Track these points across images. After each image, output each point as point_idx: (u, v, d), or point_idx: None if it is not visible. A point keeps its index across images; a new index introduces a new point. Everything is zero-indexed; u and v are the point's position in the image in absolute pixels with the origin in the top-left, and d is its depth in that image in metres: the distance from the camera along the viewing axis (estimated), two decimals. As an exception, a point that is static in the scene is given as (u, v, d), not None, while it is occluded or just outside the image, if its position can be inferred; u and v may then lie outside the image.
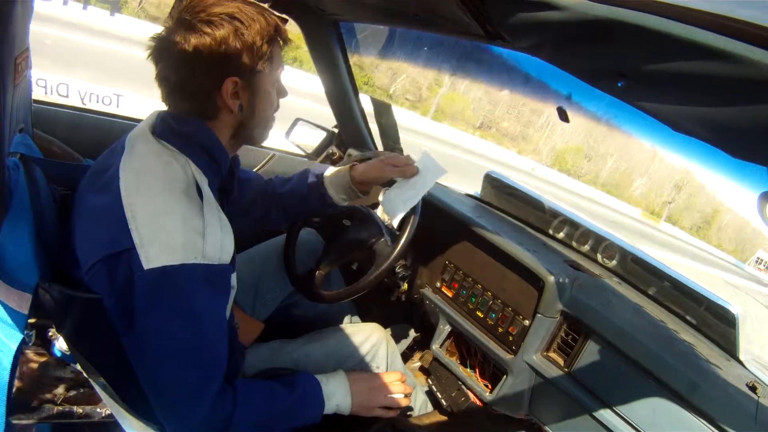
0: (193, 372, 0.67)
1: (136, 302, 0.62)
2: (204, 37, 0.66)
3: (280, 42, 0.76)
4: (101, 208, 0.66)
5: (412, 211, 1.00)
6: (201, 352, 0.67)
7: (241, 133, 0.78)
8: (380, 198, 1.34)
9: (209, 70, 0.69)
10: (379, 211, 1.34)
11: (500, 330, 1.13)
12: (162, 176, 0.66)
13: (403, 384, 0.97)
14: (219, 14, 0.67)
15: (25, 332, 0.63)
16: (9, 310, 0.61)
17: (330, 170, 1.03)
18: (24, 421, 1.01)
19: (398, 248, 1.00)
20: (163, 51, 0.69)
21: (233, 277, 0.76)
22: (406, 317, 1.60)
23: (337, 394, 0.88)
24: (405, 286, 1.26)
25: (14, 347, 0.60)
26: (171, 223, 0.63)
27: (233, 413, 0.72)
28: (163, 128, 0.72)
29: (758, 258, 39.73)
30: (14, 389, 0.65)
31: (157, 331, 0.64)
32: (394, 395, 0.95)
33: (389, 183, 1.02)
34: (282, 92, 0.82)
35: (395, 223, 1.01)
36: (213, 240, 0.66)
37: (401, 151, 1.61)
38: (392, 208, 0.99)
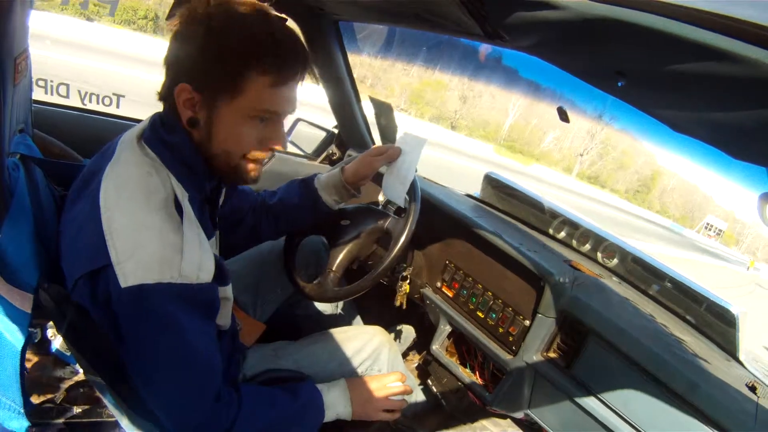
0: (186, 382, 0.67)
1: (118, 319, 0.62)
2: (181, 29, 0.64)
3: (270, 79, 0.65)
4: (83, 219, 0.65)
5: (413, 188, 1.03)
6: (191, 363, 0.67)
7: (208, 157, 0.71)
8: (380, 198, 1.34)
9: (170, 67, 0.66)
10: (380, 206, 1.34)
11: (500, 330, 1.13)
12: (141, 188, 0.64)
13: (402, 385, 0.97)
14: (205, 12, 0.64)
15: (30, 330, 0.63)
16: (12, 309, 0.61)
17: (319, 176, 1.05)
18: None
19: (411, 217, 1.00)
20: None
21: (225, 290, 0.75)
22: (406, 317, 1.60)
23: (338, 404, 0.88)
24: (407, 287, 1.25)
25: (20, 346, 0.60)
26: (148, 238, 0.61)
27: (237, 417, 0.72)
28: (151, 134, 0.69)
29: (707, 224, 37.50)
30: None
31: (143, 346, 0.64)
32: (394, 398, 0.95)
33: (380, 176, 1.05)
34: (272, 140, 0.71)
35: (401, 203, 1.05)
36: (191, 258, 0.63)
37: None
38: (393, 192, 1.04)
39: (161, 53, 0.68)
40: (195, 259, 0.64)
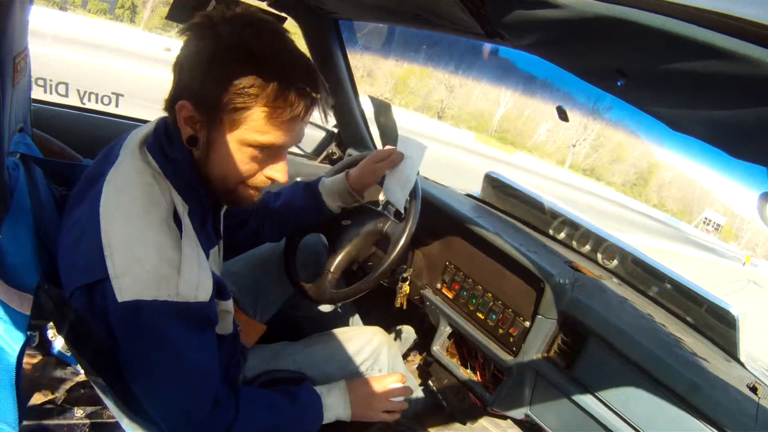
0: (183, 393, 0.68)
1: (115, 331, 0.61)
2: (192, 42, 0.62)
3: (279, 109, 0.62)
4: (82, 226, 0.64)
5: (413, 191, 1.03)
6: (187, 376, 0.67)
7: (205, 177, 0.69)
8: (380, 197, 1.34)
9: (175, 78, 0.65)
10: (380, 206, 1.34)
11: (501, 331, 1.13)
12: (141, 199, 0.63)
13: (402, 385, 0.97)
14: (230, 31, 0.61)
15: (28, 332, 0.63)
16: (11, 311, 0.61)
17: (324, 180, 1.05)
18: (24, 422, 1.01)
19: (411, 222, 1.01)
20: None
21: (226, 304, 0.75)
22: (406, 318, 1.59)
23: (337, 407, 0.88)
24: (407, 288, 1.25)
25: (18, 347, 0.60)
26: (145, 254, 0.60)
27: (235, 420, 0.72)
28: (154, 142, 0.68)
29: (705, 218, 36.43)
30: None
31: (139, 360, 0.64)
32: (394, 399, 0.95)
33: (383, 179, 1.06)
34: (274, 170, 0.69)
35: (401, 208, 1.06)
36: (189, 276, 0.62)
37: None
38: (393, 196, 1.05)
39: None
40: (193, 278, 0.63)
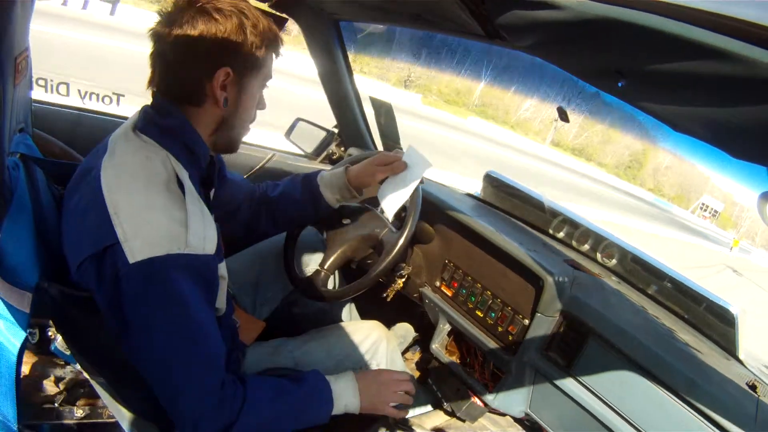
0: (191, 362, 0.67)
1: (125, 296, 0.63)
2: (211, 22, 0.69)
3: (274, 54, 0.78)
4: (85, 207, 0.67)
5: (413, 199, 1.03)
6: (195, 341, 0.67)
7: (221, 130, 0.78)
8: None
9: (207, 55, 0.70)
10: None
11: (500, 329, 1.13)
12: (142, 171, 0.67)
13: (408, 382, 0.97)
14: (229, 5, 0.70)
15: (28, 330, 0.63)
16: (11, 309, 0.61)
17: (323, 173, 1.05)
18: (24, 422, 1.01)
19: (405, 233, 1.01)
20: (167, 29, 0.70)
21: (222, 267, 0.77)
22: (405, 316, 1.60)
23: (346, 395, 0.86)
24: (401, 283, 1.26)
25: (17, 345, 0.60)
26: (153, 216, 0.64)
27: (242, 407, 0.71)
28: (145, 122, 0.72)
29: (702, 204, 35.03)
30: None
31: (149, 323, 0.64)
32: (401, 393, 0.94)
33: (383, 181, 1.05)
34: (261, 104, 0.83)
35: (390, 217, 1.06)
36: (196, 230, 0.67)
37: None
38: (387, 204, 1.05)
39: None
40: (200, 230, 0.67)
